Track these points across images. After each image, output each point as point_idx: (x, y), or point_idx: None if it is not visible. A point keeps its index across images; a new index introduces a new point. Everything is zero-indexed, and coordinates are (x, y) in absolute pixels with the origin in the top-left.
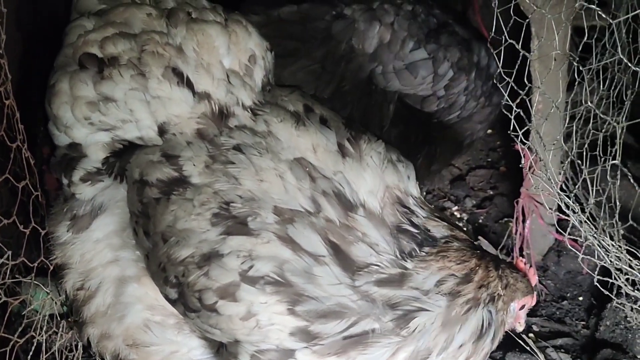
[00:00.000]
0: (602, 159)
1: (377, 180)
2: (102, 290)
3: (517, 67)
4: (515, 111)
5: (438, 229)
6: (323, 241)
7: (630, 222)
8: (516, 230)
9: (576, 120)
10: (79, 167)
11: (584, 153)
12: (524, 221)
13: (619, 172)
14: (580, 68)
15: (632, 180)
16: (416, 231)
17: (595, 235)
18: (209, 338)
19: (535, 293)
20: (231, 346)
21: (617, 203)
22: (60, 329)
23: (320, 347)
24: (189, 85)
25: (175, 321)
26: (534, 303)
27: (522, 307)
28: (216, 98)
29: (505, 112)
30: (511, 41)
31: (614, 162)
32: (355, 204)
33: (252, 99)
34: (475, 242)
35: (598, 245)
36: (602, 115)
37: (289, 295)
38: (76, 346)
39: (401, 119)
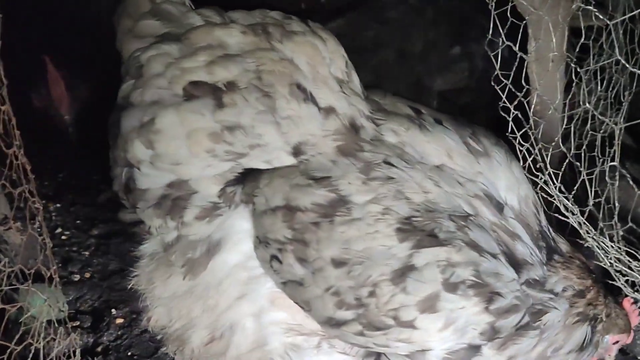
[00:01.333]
0: (601, 160)
1: (510, 177)
2: (239, 331)
3: (514, 69)
4: (513, 113)
5: (563, 244)
6: (495, 241)
7: (630, 223)
8: None
9: (574, 121)
10: (191, 206)
11: (583, 154)
12: None
13: (617, 173)
14: (578, 69)
15: (630, 182)
16: (549, 237)
17: (594, 236)
18: (355, 351)
19: (632, 333)
20: (414, 355)
21: (616, 204)
22: (58, 335)
23: (498, 341)
24: (313, 101)
25: (316, 340)
26: (628, 342)
27: (616, 342)
28: (342, 112)
29: (503, 114)
30: (508, 43)
31: (612, 163)
32: (503, 204)
33: (367, 107)
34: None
35: (597, 246)
36: (599, 117)
37: (486, 295)
38: (74, 352)
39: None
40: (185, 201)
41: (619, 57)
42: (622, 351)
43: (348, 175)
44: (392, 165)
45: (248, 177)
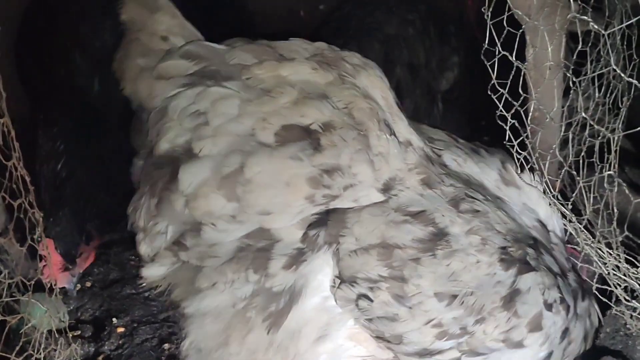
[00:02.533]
0: (599, 166)
1: (543, 203)
2: None
3: (511, 77)
4: (510, 122)
5: None
6: (559, 261)
7: (626, 232)
8: None
9: (572, 127)
10: (277, 255)
11: (581, 160)
12: None
13: (615, 180)
14: (574, 79)
15: (627, 191)
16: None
17: (591, 243)
18: None
19: None
20: None
21: (615, 210)
22: (59, 345)
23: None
24: (394, 135)
25: None
26: None
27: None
28: (416, 144)
29: (500, 123)
30: (504, 53)
31: (609, 172)
32: (548, 229)
33: (423, 136)
34: None
35: (595, 254)
36: (595, 126)
37: (567, 310)
38: None
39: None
40: (269, 251)
41: (614, 67)
42: (623, 357)
43: (440, 208)
44: (474, 198)
45: (331, 218)
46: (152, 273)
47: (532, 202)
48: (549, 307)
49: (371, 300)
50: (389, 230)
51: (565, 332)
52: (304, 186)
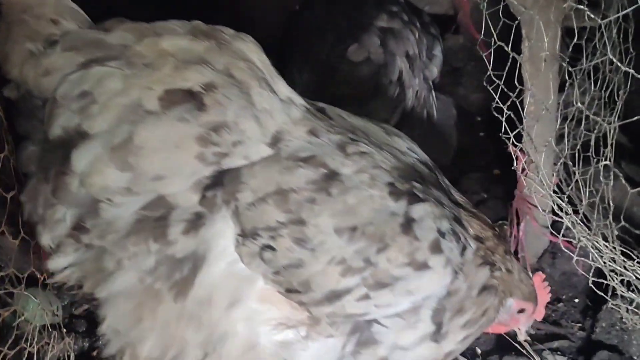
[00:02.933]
0: (595, 160)
1: (419, 151)
2: (230, 339)
3: (507, 69)
4: (506, 113)
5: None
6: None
7: (623, 222)
8: (511, 233)
9: (568, 121)
10: (175, 221)
11: (577, 154)
12: (518, 224)
13: (611, 173)
14: (570, 69)
15: (624, 181)
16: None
17: (588, 237)
18: (340, 331)
19: (536, 306)
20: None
21: (611, 204)
22: (52, 340)
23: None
24: (275, 93)
25: (304, 331)
26: (534, 316)
27: (522, 311)
28: (298, 102)
29: (496, 115)
30: (500, 43)
31: (605, 162)
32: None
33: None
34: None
35: (591, 247)
36: (592, 117)
37: (460, 244)
38: (68, 356)
39: None
40: (167, 219)
41: (612, 57)
42: (619, 352)
43: (329, 153)
44: (359, 142)
45: (226, 177)
46: (58, 264)
47: (417, 149)
48: (442, 234)
49: (274, 250)
50: (282, 177)
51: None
52: (193, 145)
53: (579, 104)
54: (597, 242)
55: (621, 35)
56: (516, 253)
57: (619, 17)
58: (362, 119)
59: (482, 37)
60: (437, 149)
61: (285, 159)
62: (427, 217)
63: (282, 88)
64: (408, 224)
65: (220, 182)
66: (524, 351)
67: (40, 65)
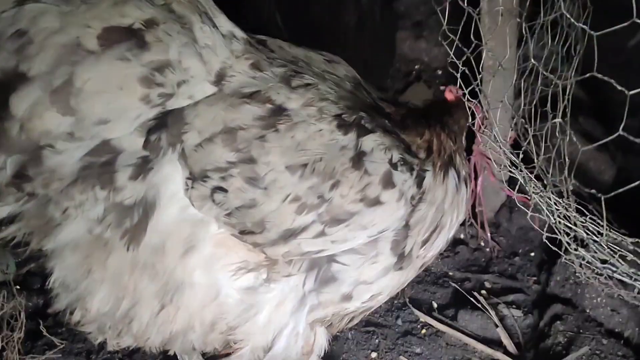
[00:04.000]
0: (551, 115)
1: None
2: (187, 289)
3: (463, 23)
4: (461, 69)
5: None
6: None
7: (573, 180)
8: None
9: (526, 75)
10: (121, 167)
11: (533, 110)
12: (476, 178)
13: (568, 129)
14: (527, 25)
15: (574, 139)
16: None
17: (540, 193)
18: (296, 268)
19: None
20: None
21: (566, 159)
22: (2, 298)
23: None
24: (216, 28)
25: (264, 273)
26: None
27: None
28: (239, 35)
29: (451, 71)
30: None
31: (558, 120)
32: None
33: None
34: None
35: (543, 204)
36: (545, 73)
37: (414, 172)
38: (20, 313)
39: None
40: (113, 164)
41: (565, 12)
42: (572, 305)
43: (274, 87)
44: (303, 73)
45: (170, 119)
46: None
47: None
48: (394, 166)
49: (226, 191)
50: (228, 114)
51: (417, 192)
52: (137, 87)
53: (532, 60)
54: (549, 198)
55: None
56: (474, 207)
57: None
58: (302, 49)
59: None
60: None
61: (230, 95)
62: (377, 149)
63: (223, 22)
64: (358, 158)
65: (164, 124)
66: (479, 305)
67: None
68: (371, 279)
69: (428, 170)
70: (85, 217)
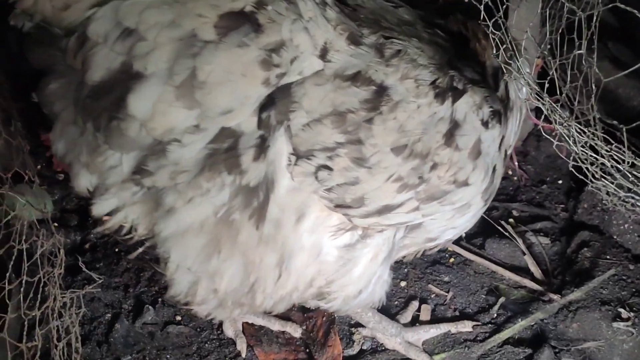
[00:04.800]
0: (578, 43)
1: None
2: (297, 252)
3: None
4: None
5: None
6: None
7: (596, 113)
8: None
9: (551, 3)
10: (244, 150)
11: (558, 38)
12: None
13: (595, 56)
14: None
15: (596, 69)
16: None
17: (565, 123)
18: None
19: None
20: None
21: (593, 87)
22: (41, 236)
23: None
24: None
25: (360, 231)
26: None
27: None
28: (330, 2)
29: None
30: None
31: (579, 52)
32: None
33: None
34: None
35: (566, 134)
36: (568, 6)
37: (500, 119)
38: (59, 250)
39: None
40: (236, 148)
41: None
42: (599, 232)
43: (371, 64)
44: (391, 38)
45: (277, 95)
46: (103, 209)
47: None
48: (485, 124)
49: (331, 169)
50: (337, 97)
51: (502, 138)
52: (258, 71)
53: None
54: (574, 127)
55: None
56: None
57: None
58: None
59: None
60: None
61: (335, 76)
62: (470, 114)
63: None
64: (451, 133)
65: (272, 102)
66: (507, 233)
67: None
68: (461, 225)
69: (508, 81)
70: (212, 202)
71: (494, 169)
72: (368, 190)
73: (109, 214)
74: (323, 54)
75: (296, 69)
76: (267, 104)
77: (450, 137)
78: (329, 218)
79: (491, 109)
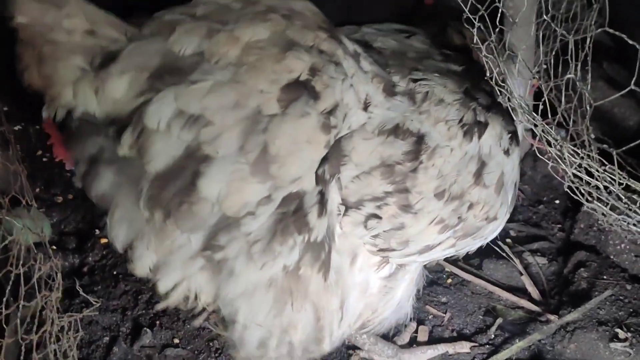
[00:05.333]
0: (573, 63)
1: None
2: (355, 290)
3: None
4: (477, 24)
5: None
6: (483, 88)
7: (591, 133)
8: None
9: (545, 25)
10: (310, 208)
11: (552, 59)
12: None
13: (588, 77)
14: None
15: (587, 94)
16: None
17: (559, 144)
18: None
19: None
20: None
21: (588, 107)
22: (38, 260)
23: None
24: (349, 53)
25: (395, 264)
26: None
27: None
28: (360, 52)
29: (467, 26)
30: None
31: (571, 75)
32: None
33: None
34: None
35: (560, 155)
36: (559, 30)
37: (516, 137)
38: (56, 273)
39: None
40: (302, 208)
41: None
42: (596, 252)
43: (406, 114)
44: (417, 79)
45: (329, 150)
46: (171, 283)
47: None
48: (506, 153)
49: (379, 218)
50: (385, 150)
51: (518, 155)
52: (321, 136)
53: (545, 17)
54: (568, 149)
55: None
56: None
57: None
58: (390, 36)
59: None
60: None
61: (379, 132)
62: (494, 146)
63: (348, 43)
64: (479, 172)
65: (325, 157)
66: (504, 253)
67: (103, 87)
68: (483, 235)
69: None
70: (282, 263)
71: (515, 185)
72: (412, 234)
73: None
74: (366, 107)
75: (346, 124)
76: (321, 159)
77: (478, 176)
78: (373, 256)
79: (509, 134)
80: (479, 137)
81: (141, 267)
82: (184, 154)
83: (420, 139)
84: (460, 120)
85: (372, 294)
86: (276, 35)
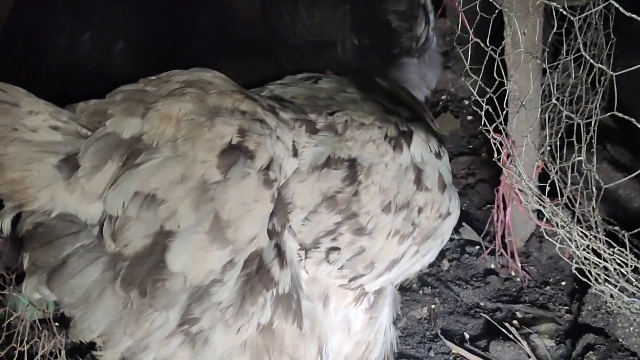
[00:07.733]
0: (577, 146)
1: None
2: (335, 332)
3: (485, 62)
4: (485, 108)
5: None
6: (406, 103)
7: (597, 215)
8: (497, 218)
9: (550, 107)
10: (270, 263)
11: (558, 141)
12: (504, 208)
13: (594, 160)
14: (545, 67)
15: (596, 174)
16: None
17: (568, 226)
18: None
19: None
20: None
21: (594, 189)
22: (43, 337)
23: None
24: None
25: (373, 295)
26: None
27: None
28: (275, 104)
29: (475, 109)
30: (476, 40)
31: (579, 158)
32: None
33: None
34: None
35: (566, 237)
36: (566, 112)
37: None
38: (60, 351)
39: None
40: (264, 265)
41: (583, 52)
42: (605, 335)
43: (332, 145)
44: (335, 112)
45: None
46: None
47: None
48: (438, 156)
49: (338, 249)
50: (323, 185)
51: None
52: (265, 192)
53: (554, 100)
54: (576, 231)
55: (602, 21)
56: (503, 237)
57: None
58: (297, 84)
59: (458, 31)
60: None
61: (314, 168)
62: (424, 152)
63: (262, 100)
64: (418, 179)
65: (272, 211)
66: (511, 336)
67: (83, 190)
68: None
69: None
70: (256, 322)
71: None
72: (374, 253)
73: None
74: (295, 153)
75: (282, 174)
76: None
77: (418, 182)
78: (346, 295)
79: (436, 139)
80: (408, 146)
81: (114, 353)
82: (156, 232)
83: (352, 162)
84: (386, 136)
85: (357, 331)
86: (199, 106)
